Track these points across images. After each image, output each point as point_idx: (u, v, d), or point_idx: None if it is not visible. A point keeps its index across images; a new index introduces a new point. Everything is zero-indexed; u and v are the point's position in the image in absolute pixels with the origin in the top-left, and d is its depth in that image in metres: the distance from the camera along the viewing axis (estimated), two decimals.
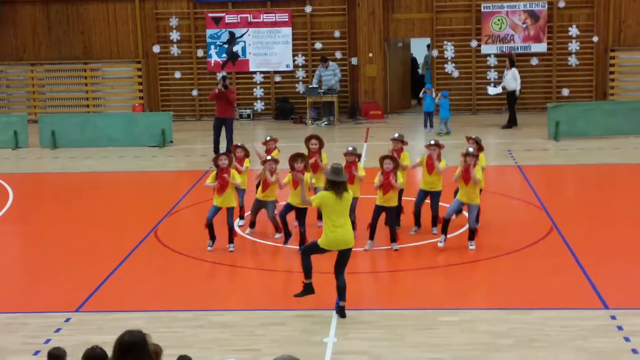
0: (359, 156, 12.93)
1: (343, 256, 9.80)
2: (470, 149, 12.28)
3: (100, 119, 22.83)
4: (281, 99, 26.07)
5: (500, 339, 9.09)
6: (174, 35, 26.11)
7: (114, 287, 11.15)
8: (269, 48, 25.94)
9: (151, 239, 13.29)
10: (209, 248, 12.42)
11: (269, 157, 12.89)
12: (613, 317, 9.55)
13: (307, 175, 12.20)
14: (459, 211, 12.77)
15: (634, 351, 8.74)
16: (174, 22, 26.04)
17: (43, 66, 26.62)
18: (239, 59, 26.04)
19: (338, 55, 25.68)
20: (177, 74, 26.25)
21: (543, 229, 13.20)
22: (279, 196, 13.23)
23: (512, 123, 22.99)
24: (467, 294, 10.84)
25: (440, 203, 13.02)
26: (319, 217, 12.50)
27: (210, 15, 25.85)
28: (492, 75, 25.51)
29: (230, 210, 12.46)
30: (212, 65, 26.08)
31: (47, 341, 9.24)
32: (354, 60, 25.75)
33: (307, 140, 13.61)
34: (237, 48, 25.96)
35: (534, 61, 25.21)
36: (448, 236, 12.41)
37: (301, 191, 10.64)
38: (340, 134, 23.12)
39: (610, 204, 15.00)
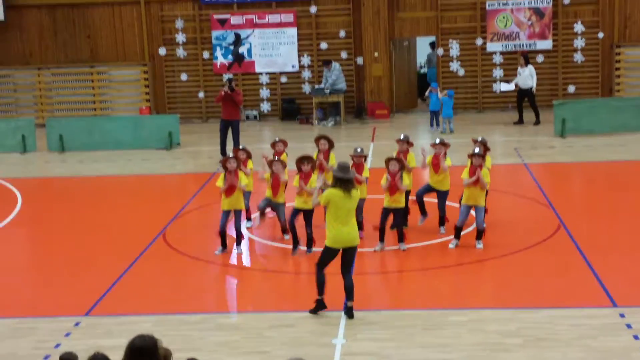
0: (365, 157, 12.95)
1: (348, 255, 9.82)
2: (477, 150, 12.30)
3: (108, 122, 22.89)
4: (287, 100, 26.10)
5: (509, 338, 9.10)
6: (180, 38, 26.17)
7: (123, 290, 11.20)
8: (274, 49, 25.97)
9: (159, 241, 13.33)
10: (216, 252, 12.45)
11: (276, 158, 12.94)
12: (622, 315, 9.55)
13: (314, 177, 12.23)
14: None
15: None
16: (179, 24, 26.10)
17: (50, 70, 26.71)
18: (245, 60, 26.08)
19: (344, 55, 25.71)
20: (184, 76, 26.31)
21: (550, 227, 13.20)
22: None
23: (538, 118, 22.94)
24: (475, 293, 10.85)
25: (447, 203, 13.06)
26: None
27: (215, 17, 25.90)
28: (498, 73, 25.51)
29: (238, 213, 12.53)
30: (219, 67, 26.13)
31: (57, 346, 9.29)
32: (360, 60, 25.77)
33: (317, 140, 13.67)
34: (242, 49, 26.01)
35: (540, 58, 25.18)
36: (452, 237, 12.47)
37: (314, 194, 10.59)
38: (346, 134, 23.14)
39: (617, 201, 14.98)
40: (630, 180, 16.69)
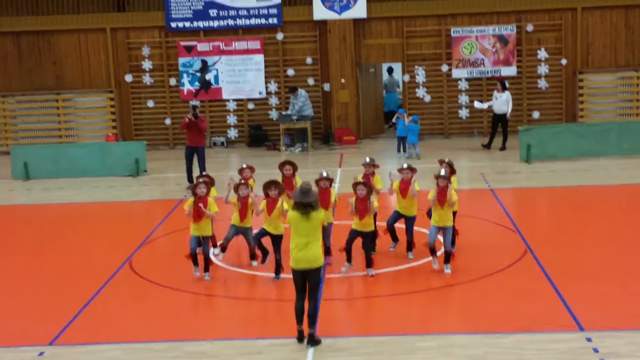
0: (332, 181, 12.95)
1: (311, 278, 9.80)
2: (443, 172, 12.36)
3: (73, 150, 22.72)
4: (255, 126, 26.12)
5: None
6: (146, 64, 26.13)
7: (89, 318, 11.06)
8: (241, 75, 26.02)
9: (126, 269, 13.21)
10: (196, 274, 12.37)
11: (242, 181, 12.93)
12: (589, 340, 9.60)
13: (281, 200, 12.25)
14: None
15: None
16: (146, 51, 26.06)
17: (14, 97, 26.51)
18: (212, 87, 26.09)
19: (311, 81, 25.82)
20: (150, 103, 26.24)
21: (517, 251, 13.28)
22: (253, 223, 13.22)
23: (504, 144, 23.16)
24: (444, 318, 10.86)
25: (415, 228, 13.10)
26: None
27: (182, 43, 25.90)
28: (463, 99, 25.76)
29: (206, 239, 12.50)
30: (185, 93, 26.11)
31: None
32: (327, 87, 25.89)
33: (281, 166, 13.73)
34: (209, 76, 26.02)
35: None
36: (424, 260, 12.51)
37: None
38: (314, 160, 23.18)
39: (582, 226, 15.13)
40: (595, 205, 16.86)
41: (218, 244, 13.40)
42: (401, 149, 23.06)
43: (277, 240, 12.32)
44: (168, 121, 26.21)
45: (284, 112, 25.14)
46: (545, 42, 25.65)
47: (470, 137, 25.61)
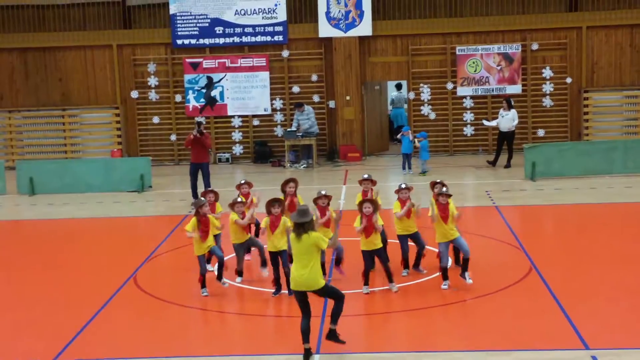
0: (330, 200, 12.93)
1: (320, 295, 9.83)
2: (444, 189, 12.38)
3: (79, 165, 22.78)
4: (260, 143, 26.17)
5: None
6: (152, 81, 26.22)
7: (93, 335, 11.04)
8: (246, 92, 26.09)
9: (130, 285, 13.21)
10: (204, 294, 12.36)
11: (238, 200, 12.93)
12: (594, 358, 9.57)
13: (284, 219, 12.26)
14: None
15: None
16: (151, 67, 26.16)
17: (21, 113, 26.61)
18: (217, 103, 26.16)
19: (316, 98, 25.88)
20: (156, 119, 26.32)
21: (522, 269, 13.25)
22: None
23: (509, 162, 23.17)
24: (449, 335, 10.82)
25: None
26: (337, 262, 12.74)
27: (188, 60, 26.00)
28: (468, 116, 25.79)
29: (214, 249, 12.47)
30: (191, 110, 26.18)
31: None
32: (332, 104, 25.95)
33: (284, 184, 13.66)
34: (215, 93, 26.10)
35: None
36: (428, 277, 12.46)
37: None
38: (318, 177, 23.19)
39: (587, 244, 15.09)
40: (600, 223, 16.83)
41: (234, 270, 13.28)
42: (406, 166, 23.06)
43: (277, 257, 12.31)
44: (173, 137, 26.27)
45: (289, 129, 25.19)
46: (551, 60, 25.70)
47: (475, 155, 25.61)
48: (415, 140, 22.96)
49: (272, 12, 25.73)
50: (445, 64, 25.79)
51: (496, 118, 23.86)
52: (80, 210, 19.61)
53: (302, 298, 9.83)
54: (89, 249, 16.00)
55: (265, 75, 26.02)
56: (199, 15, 25.84)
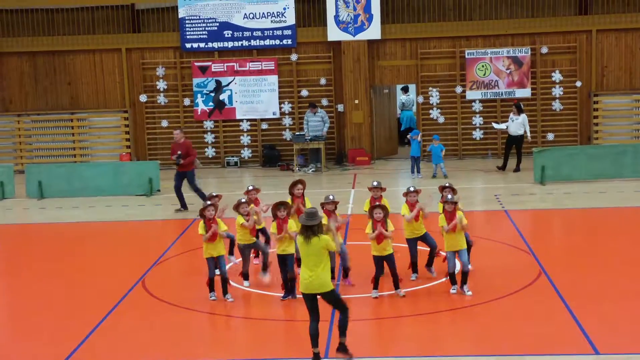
0: (337, 204, 12.90)
1: (325, 300, 9.79)
2: (449, 197, 12.33)
3: (87, 169, 22.80)
4: (268, 146, 26.16)
5: None
6: (161, 85, 26.25)
7: (101, 338, 11.03)
8: (255, 96, 26.09)
9: (138, 288, 13.20)
10: (212, 298, 12.33)
11: (242, 200, 12.89)
12: None
13: (291, 222, 12.24)
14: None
15: None
16: (160, 71, 26.19)
17: (30, 117, 26.68)
18: (226, 107, 26.16)
19: (324, 102, 25.86)
20: (164, 123, 26.34)
21: (531, 273, 13.19)
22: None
23: (519, 166, 23.11)
24: (458, 340, 10.77)
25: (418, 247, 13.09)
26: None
27: (196, 64, 26.01)
28: (477, 120, 25.73)
29: (221, 259, 12.46)
30: (199, 113, 26.20)
31: None
32: (340, 107, 25.92)
33: (292, 186, 13.63)
34: (223, 96, 26.11)
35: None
36: (436, 282, 12.40)
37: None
38: (327, 181, 23.16)
39: (597, 248, 15.03)
40: (609, 227, 16.76)
41: (239, 273, 13.27)
42: (415, 170, 23.01)
43: (285, 260, 12.28)
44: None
45: (297, 133, 25.17)
46: (560, 64, 25.62)
47: (484, 159, 25.54)
48: (419, 140, 22.97)
49: (280, 15, 25.73)
50: (455, 67, 25.73)
51: (506, 121, 23.80)
52: (89, 214, 19.62)
53: (311, 301, 9.79)
54: (97, 252, 16.00)
55: (273, 79, 26.02)
56: (208, 19, 25.86)
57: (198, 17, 25.86)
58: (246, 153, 26.37)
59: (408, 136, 24.06)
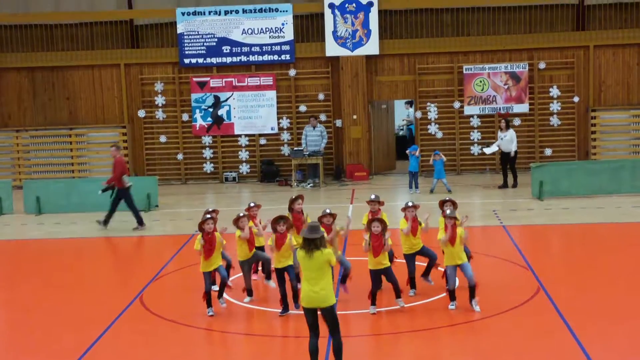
0: (334, 218, 12.90)
1: (326, 316, 9.75)
2: (448, 211, 12.33)
3: (86, 184, 22.77)
4: (266, 162, 26.18)
5: None
6: (159, 100, 26.29)
7: (99, 355, 10.99)
8: (253, 111, 26.14)
9: (137, 304, 13.16)
10: (210, 314, 12.31)
11: (242, 214, 12.88)
12: None
13: (289, 237, 12.24)
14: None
15: None
16: (159, 86, 26.24)
17: (28, 132, 26.69)
18: (224, 122, 26.20)
19: (323, 117, 25.91)
20: (163, 138, 26.36)
21: (530, 289, 13.17)
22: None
23: (515, 181, 23.08)
24: (457, 356, 10.74)
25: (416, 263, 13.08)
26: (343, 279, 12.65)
27: (195, 79, 26.07)
28: (475, 135, 25.77)
29: (219, 267, 12.44)
30: (197, 129, 26.23)
31: None
32: (339, 123, 25.97)
33: (292, 201, 13.63)
34: (222, 112, 26.15)
35: (517, 122, 25.50)
36: (434, 298, 12.38)
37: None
38: (325, 196, 23.16)
39: (595, 264, 15.01)
40: (608, 243, 16.75)
41: (242, 289, 13.24)
42: (413, 185, 23.02)
43: (284, 274, 12.27)
44: (180, 156, 26.30)
45: (295, 148, 25.20)
46: (558, 79, 25.70)
47: (482, 174, 25.56)
48: (417, 155, 22.98)
49: (279, 31, 25.81)
50: (452, 83, 25.80)
51: (495, 141, 23.73)
52: (87, 229, 19.60)
53: (312, 316, 9.75)
54: (95, 268, 15.98)
55: (272, 94, 26.07)
56: (206, 34, 25.93)
57: (196, 33, 25.93)
58: (244, 168, 26.39)
59: (407, 151, 24.07)
